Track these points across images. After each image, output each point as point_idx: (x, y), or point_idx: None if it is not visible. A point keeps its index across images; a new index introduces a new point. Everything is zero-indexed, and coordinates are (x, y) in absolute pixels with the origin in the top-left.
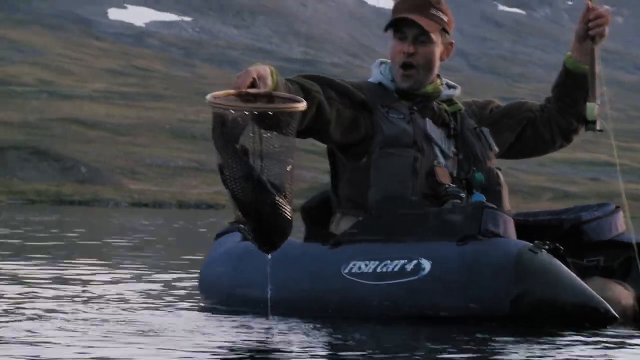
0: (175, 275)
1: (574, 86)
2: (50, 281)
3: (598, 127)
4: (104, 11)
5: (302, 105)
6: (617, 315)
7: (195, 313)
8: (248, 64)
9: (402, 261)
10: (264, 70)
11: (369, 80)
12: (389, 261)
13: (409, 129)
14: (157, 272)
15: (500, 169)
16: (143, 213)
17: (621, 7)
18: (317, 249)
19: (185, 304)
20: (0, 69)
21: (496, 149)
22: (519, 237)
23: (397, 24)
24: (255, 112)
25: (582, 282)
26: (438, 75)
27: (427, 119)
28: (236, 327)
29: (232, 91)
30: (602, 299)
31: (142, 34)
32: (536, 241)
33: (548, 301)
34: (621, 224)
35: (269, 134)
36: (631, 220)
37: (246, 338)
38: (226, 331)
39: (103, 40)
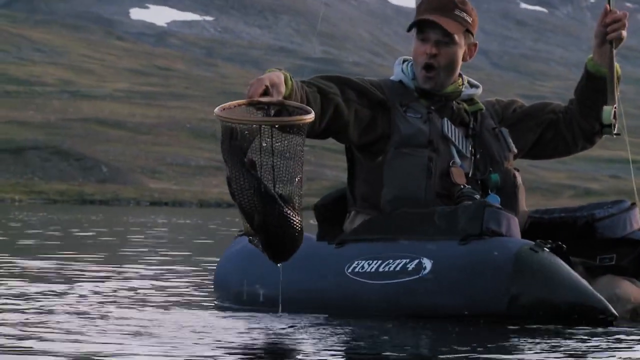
0: (194, 274)
1: (594, 89)
2: (63, 279)
3: (615, 131)
4: (125, 11)
5: (310, 117)
6: (616, 313)
7: (208, 311)
8: (270, 64)
9: (404, 260)
10: (277, 77)
11: (391, 78)
12: (391, 260)
13: (425, 128)
14: (175, 271)
15: (518, 170)
16: (164, 212)
17: None
18: (324, 248)
19: (200, 302)
20: (21, 69)
21: (515, 149)
22: (534, 235)
23: (420, 25)
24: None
25: (582, 281)
26: (460, 75)
27: (445, 118)
28: (246, 325)
29: (243, 101)
30: (601, 298)
31: (163, 33)
32: (538, 240)
33: (545, 300)
34: (637, 221)
35: (278, 143)
36: None
37: (256, 336)
38: (235, 329)
39: (125, 40)
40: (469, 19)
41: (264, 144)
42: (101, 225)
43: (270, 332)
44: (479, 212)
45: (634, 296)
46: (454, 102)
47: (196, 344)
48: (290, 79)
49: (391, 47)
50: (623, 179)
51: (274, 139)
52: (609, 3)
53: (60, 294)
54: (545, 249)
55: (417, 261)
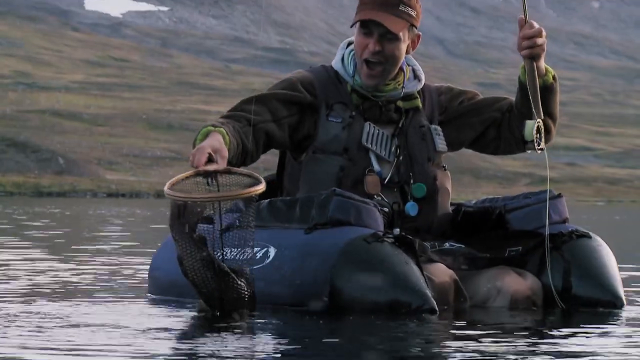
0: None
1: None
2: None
3: (538, 147)
4: (80, 2)
5: (261, 187)
6: (435, 308)
7: (142, 301)
8: (226, 53)
9: (257, 249)
10: (218, 142)
11: (332, 63)
12: (248, 249)
13: (342, 135)
14: (125, 261)
15: (445, 168)
16: (120, 203)
17: None
18: (210, 234)
19: (134, 292)
20: None
21: (443, 148)
22: (458, 227)
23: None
24: (215, 202)
25: (410, 275)
26: (401, 69)
27: (368, 122)
28: (168, 313)
29: (190, 172)
30: (423, 293)
31: (118, 24)
32: (381, 230)
33: (363, 293)
34: (561, 212)
35: (229, 214)
36: (608, 204)
37: (171, 324)
38: (158, 318)
39: (80, 31)
40: (413, 13)
41: (215, 216)
42: (56, 218)
43: (189, 319)
44: (327, 201)
45: (514, 288)
46: (386, 100)
47: (113, 333)
48: (227, 134)
49: (348, 36)
50: (579, 166)
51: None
52: (524, 14)
53: None
54: (385, 240)
55: (264, 250)
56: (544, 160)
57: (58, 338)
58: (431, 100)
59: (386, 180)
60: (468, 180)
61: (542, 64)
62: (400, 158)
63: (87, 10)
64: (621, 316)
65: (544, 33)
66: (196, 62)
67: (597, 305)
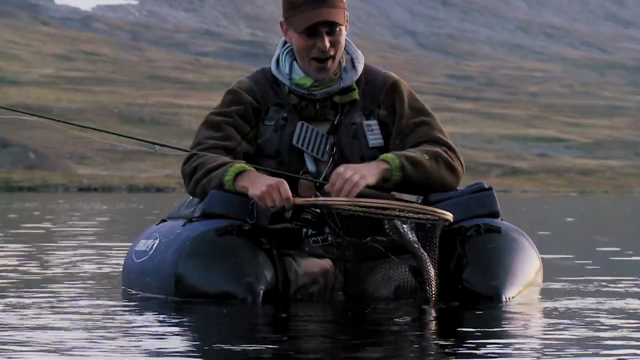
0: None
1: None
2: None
3: None
4: None
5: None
6: (252, 299)
7: (113, 298)
8: (196, 47)
9: (150, 240)
10: (274, 180)
11: (271, 64)
12: (151, 240)
13: (274, 138)
14: (96, 257)
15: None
16: (93, 197)
17: None
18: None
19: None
20: None
21: (376, 143)
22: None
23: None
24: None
25: (243, 266)
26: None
27: (301, 122)
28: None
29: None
30: (251, 285)
31: (88, 18)
32: (238, 223)
33: (198, 283)
34: (487, 206)
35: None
36: (580, 195)
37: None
38: (134, 314)
39: (50, 25)
40: None
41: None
42: (27, 212)
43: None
44: (206, 196)
45: (400, 279)
46: (323, 96)
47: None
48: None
49: None
50: (551, 157)
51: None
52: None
53: None
54: (238, 231)
55: (152, 241)
56: (515, 151)
57: (30, 336)
58: (373, 90)
59: (321, 179)
60: None
61: (376, 178)
62: (336, 157)
63: (57, 4)
64: (497, 312)
65: (345, 175)
66: (167, 55)
67: (479, 299)
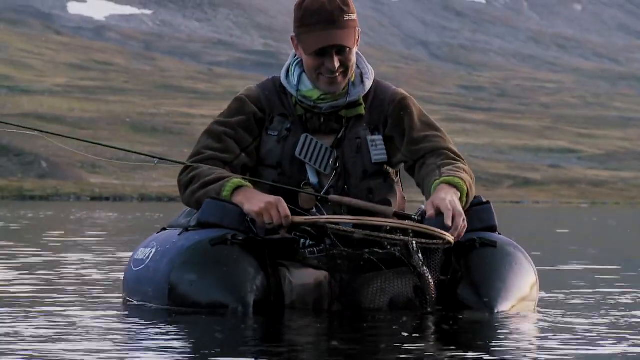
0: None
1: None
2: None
3: None
4: (63, 5)
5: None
6: (246, 310)
7: (116, 306)
8: (209, 57)
9: (148, 249)
10: (272, 197)
11: (282, 73)
12: (149, 249)
13: (276, 149)
14: (109, 265)
15: (392, 177)
16: (104, 207)
17: None
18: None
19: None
20: None
21: (380, 159)
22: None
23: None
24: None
25: (235, 277)
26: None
27: (306, 134)
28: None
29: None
30: (242, 296)
31: (102, 27)
32: (233, 233)
33: (190, 293)
34: (484, 220)
35: None
36: (591, 206)
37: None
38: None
39: (63, 35)
40: (354, 16)
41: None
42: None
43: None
44: (202, 205)
45: (396, 290)
46: (329, 109)
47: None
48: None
49: None
50: (563, 168)
51: None
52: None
53: None
54: (232, 242)
55: (150, 250)
56: (527, 162)
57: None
58: (381, 105)
59: (322, 193)
60: None
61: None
62: (339, 170)
63: (71, 14)
64: (489, 325)
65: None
66: (180, 65)
67: (473, 312)
